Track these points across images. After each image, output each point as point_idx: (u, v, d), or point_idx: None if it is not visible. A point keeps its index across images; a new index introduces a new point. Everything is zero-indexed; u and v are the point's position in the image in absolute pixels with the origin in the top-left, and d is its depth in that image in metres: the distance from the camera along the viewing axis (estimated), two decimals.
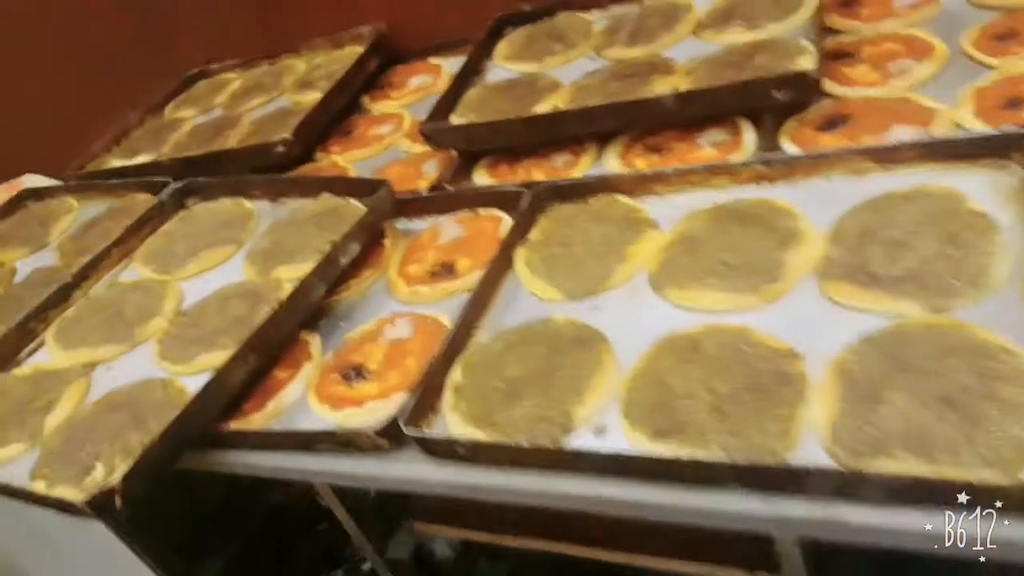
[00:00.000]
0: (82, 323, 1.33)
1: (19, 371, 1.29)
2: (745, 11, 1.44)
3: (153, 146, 1.96)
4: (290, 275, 1.26)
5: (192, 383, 1.11)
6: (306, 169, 1.71)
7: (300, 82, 1.95)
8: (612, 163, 1.32)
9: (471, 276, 1.20)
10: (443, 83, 1.83)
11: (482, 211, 1.32)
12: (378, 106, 1.86)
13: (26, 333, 1.36)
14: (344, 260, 1.24)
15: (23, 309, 1.45)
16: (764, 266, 0.99)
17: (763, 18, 1.40)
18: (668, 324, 0.98)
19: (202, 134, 1.90)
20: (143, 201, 1.66)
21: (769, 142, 1.23)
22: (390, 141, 1.69)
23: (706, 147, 1.27)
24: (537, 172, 1.38)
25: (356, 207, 1.35)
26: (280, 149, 1.62)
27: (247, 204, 1.50)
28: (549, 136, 1.38)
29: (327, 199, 1.40)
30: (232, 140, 1.81)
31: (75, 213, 1.78)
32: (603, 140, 1.38)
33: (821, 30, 1.28)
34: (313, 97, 1.84)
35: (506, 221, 1.27)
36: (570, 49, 1.58)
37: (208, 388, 1.03)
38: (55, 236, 1.73)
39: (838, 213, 1.03)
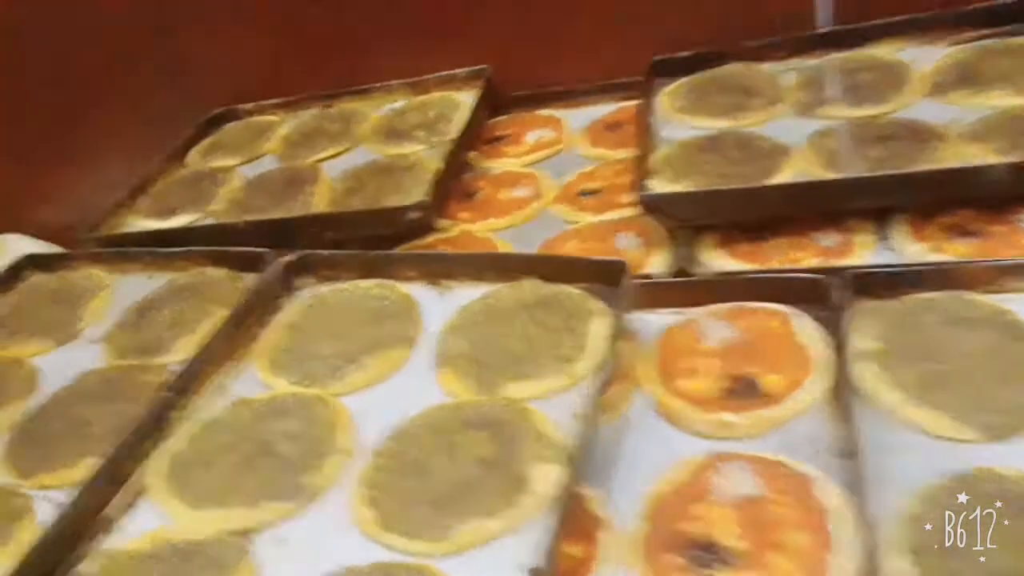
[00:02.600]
0: (207, 464, 0.92)
1: (130, 544, 0.85)
2: (995, 73, 1.23)
3: (194, 202, 1.54)
4: (530, 393, 0.91)
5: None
6: (435, 240, 1.35)
7: (384, 130, 1.60)
8: (910, 247, 1.05)
9: (793, 398, 0.89)
10: (570, 138, 1.54)
11: (752, 304, 1.02)
12: (494, 164, 1.53)
13: (117, 478, 0.92)
14: (605, 377, 0.90)
15: (81, 434, 1.03)
16: None
17: None
18: None
19: (268, 189, 1.50)
20: (218, 278, 1.25)
21: None
22: (537, 207, 1.37)
23: None
24: (800, 254, 1.10)
25: (574, 295, 1.02)
26: (414, 215, 1.27)
27: (400, 288, 1.13)
28: (820, 208, 1.10)
29: (533, 286, 1.05)
30: (320, 198, 1.43)
31: (109, 291, 1.33)
32: (866, 217, 1.12)
33: None
34: (414, 150, 1.51)
35: (796, 318, 0.98)
36: (771, 105, 1.32)
37: None
38: (89, 322, 1.27)
39: None
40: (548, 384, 0.92)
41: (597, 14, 1.61)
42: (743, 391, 0.91)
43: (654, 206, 1.13)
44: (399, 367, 1.02)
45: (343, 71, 1.80)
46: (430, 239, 1.36)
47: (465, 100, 1.62)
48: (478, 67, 1.65)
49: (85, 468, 0.97)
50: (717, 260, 1.13)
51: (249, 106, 1.86)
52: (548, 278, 1.06)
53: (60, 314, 1.29)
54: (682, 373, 0.96)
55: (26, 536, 0.91)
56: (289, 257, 1.19)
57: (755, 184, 1.10)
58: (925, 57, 1.35)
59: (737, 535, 0.76)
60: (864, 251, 1.08)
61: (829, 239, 1.10)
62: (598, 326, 0.97)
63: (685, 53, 1.49)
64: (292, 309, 1.14)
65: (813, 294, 0.98)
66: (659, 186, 1.18)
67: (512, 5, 1.64)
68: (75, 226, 1.68)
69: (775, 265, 1.09)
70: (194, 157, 1.75)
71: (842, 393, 0.87)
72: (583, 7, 1.61)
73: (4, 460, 1.03)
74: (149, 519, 0.89)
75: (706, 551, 0.75)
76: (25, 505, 0.95)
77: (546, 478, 0.80)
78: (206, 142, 1.79)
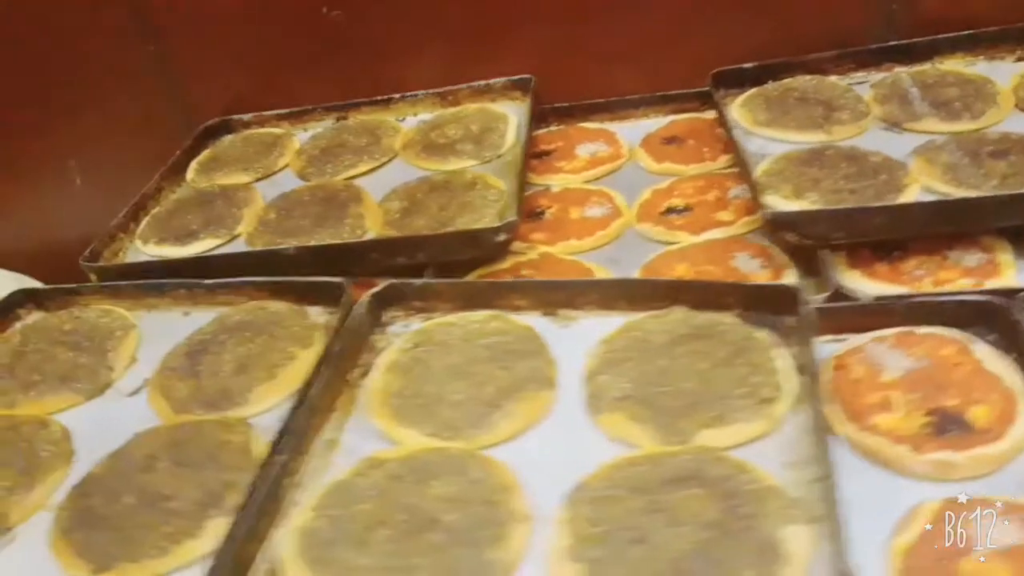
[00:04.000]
0: (355, 543, 0.74)
1: None
2: None
3: (213, 225, 1.34)
4: (730, 441, 0.80)
5: None
6: (514, 264, 1.22)
7: (421, 144, 1.46)
8: None
9: (1013, 433, 0.81)
10: (628, 152, 1.44)
11: (920, 330, 0.94)
12: (551, 180, 1.42)
13: (239, 568, 0.75)
14: (813, 418, 0.80)
15: (161, 511, 0.84)
16: None
17: None
18: None
19: (303, 210, 1.33)
20: (282, 313, 1.08)
21: None
22: (619, 226, 1.26)
23: None
24: (946, 275, 1.04)
25: (735, 326, 0.92)
26: (503, 237, 1.13)
27: (518, 320, 0.99)
28: (969, 226, 1.04)
29: (682, 315, 0.94)
30: (373, 220, 1.27)
31: (136, 332, 1.13)
32: (998, 235, 1.07)
33: None
34: (464, 165, 1.38)
35: (976, 345, 0.91)
36: (859, 119, 1.27)
37: None
38: (122, 371, 1.07)
39: None
40: (749, 430, 0.81)
41: (642, 24, 1.53)
42: (949, 426, 0.83)
43: (785, 224, 1.04)
44: (547, 413, 0.89)
45: (354, 80, 1.65)
46: (508, 264, 1.22)
47: (506, 112, 1.50)
48: (519, 77, 1.53)
49: (184, 554, 0.79)
50: (857, 282, 1.05)
51: (247, 117, 1.67)
52: (695, 306, 0.95)
53: (82, 361, 1.08)
54: (873, 409, 0.86)
55: None
56: (377, 288, 1.04)
57: (903, 202, 1.03)
58: (998, 72, 1.33)
59: None
60: (1009, 271, 1.03)
61: (971, 258, 1.05)
62: (784, 360, 0.87)
63: (749, 64, 1.43)
64: (394, 348, 0.99)
65: (982, 318, 0.92)
66: (781, 203, 1.10)
67: (550, 13, 1.53)
68: (44, 254, 1.47)
69: (925, 287, 1.02)
70: (193, 173, 1.54)
71: None
72: (627, 16, 1.52)
73: (63, 550, 0.83)
74: None
75: None
76: None
77: (799, 542, 0.69)
78: (203, 156, 1.59)
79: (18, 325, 1.18)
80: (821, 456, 0.74)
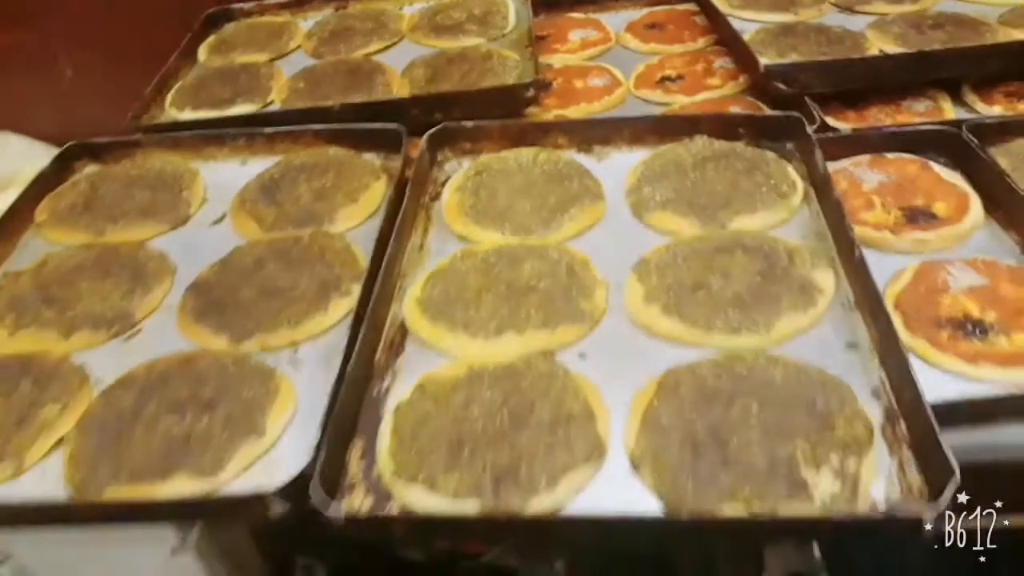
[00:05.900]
0: (468, 304, 0.91)
1: (439, 375, 0.83)
2: None
3: (246, 94, 1.43)
4: (759, 225, 1.01)
5: None
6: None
7: (428, 27, 1.59)
8: (987, 109, 1.26)
9: (970, 217, 1.05)
10: (614, 36, 1.61)
11: (889, 155, 1.17)
12: (551, 59, 1.57)
13: (376, 326, 0.89)
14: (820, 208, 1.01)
15: (288, 298, 0.97)
16: None
17: None
18: None
19: (329, 80, 1.43)
20: (343, 156, 1.21)
21: None
22: (622, 92, 1.43)
23: None
24: (903, 117, 1.27)
25: (748, 149, 1.12)
26: (530, 93, 1.29)
27: (563, 154, 1.16)
28: (921, 76, 1.27)
29: (704, 142, 1.13)
30: (400, 86, 1.40)
31: (200, 178, 1.23)
32: (938, 88, 1.31)
33: None
34: (476, 43, 1.52)
35: (934, 163, 1.14)
36: (819, 3, 1.50)
37: None
38: (198, 206, 1.18)
39: None
40: (774, 215, 1.01)
41: None
42: (919, 218, 1.06)
43: (778, 75, 1.24)
44: (601, 217, 1.06)
45: None
46: (525, 124, 1.37)
47: None
48: None
49: (315, 326, 0.93)
50: (834, 125, 1.26)
51: (248, 5, 1.74)
52: (713, 135, 1.14)
53: (159, 198, 1.17)
54: (858, 209, 1.08)
55: (286, 392, 0.86)
56: (433, 130, 1.18)
57: (875, 55, 1.26)
58: None
59: (984, 311, 0.90)
60: (951, 113, 1.27)
61: (920, 105, 1.28)
62: (791, 170, 1.07)
63: None
64: (458, 175, 1.13)
65: (936, 144, 1.15)
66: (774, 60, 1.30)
67: None
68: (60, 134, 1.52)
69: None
70: (204, 55, 1.62)
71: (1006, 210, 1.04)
72: None
73: (198, 331, 0.95)
74: (430, 357, 0.88)
75: (970, 324, 0.89)
76: (266, 366, 0.89)
77: (826, 281, 0.90)
78: (211, 40, 1.66)
79: (77, 176, 1.25)
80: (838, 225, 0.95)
